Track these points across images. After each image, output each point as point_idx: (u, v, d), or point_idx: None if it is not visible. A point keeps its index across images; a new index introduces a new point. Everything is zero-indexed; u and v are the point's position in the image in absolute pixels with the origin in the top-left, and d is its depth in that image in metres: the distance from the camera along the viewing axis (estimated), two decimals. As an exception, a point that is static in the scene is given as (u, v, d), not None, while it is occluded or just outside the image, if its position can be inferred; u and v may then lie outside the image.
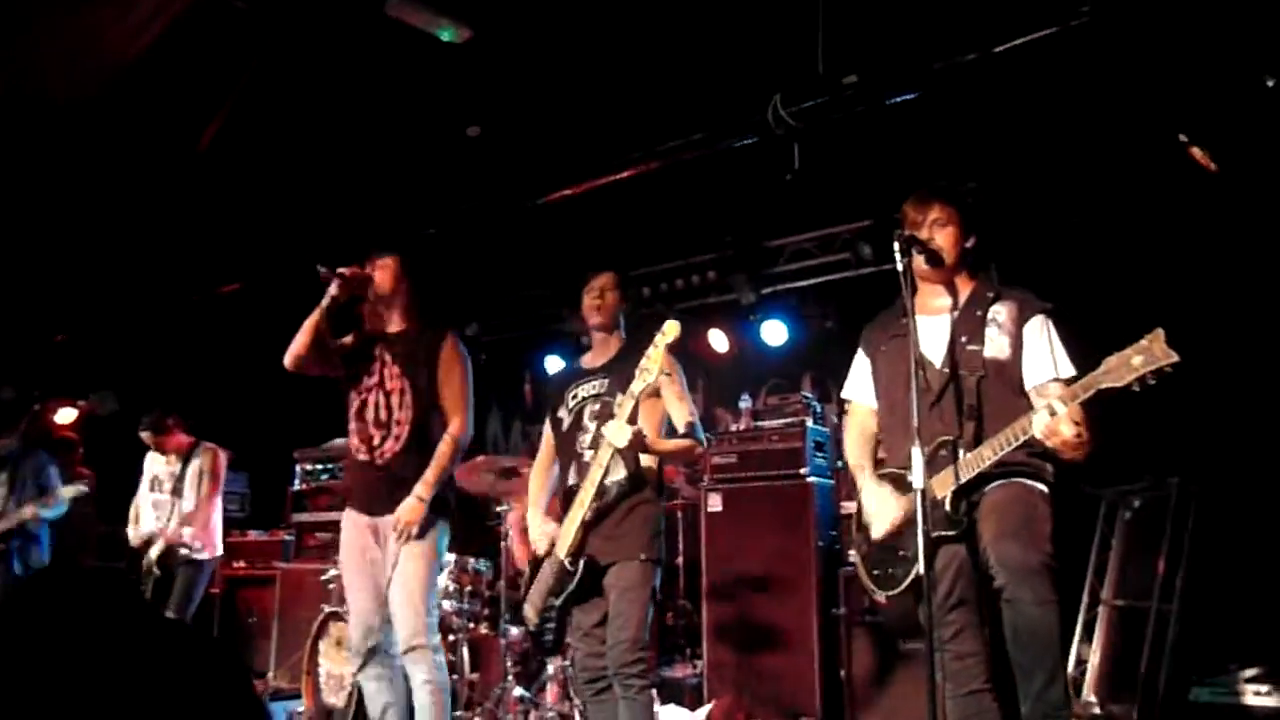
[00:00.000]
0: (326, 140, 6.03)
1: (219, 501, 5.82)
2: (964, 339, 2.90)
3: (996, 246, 4.99)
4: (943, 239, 2.99)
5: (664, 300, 7.08)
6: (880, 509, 2.96)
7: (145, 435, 5.83)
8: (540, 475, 3.79)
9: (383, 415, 3.76)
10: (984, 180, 5.26)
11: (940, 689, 2.82)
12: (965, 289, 3.03)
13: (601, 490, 3.36)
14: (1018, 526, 2.74)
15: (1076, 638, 4.69)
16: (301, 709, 5.13)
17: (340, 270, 3.76)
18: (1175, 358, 2.46)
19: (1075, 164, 5.11)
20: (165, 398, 6.30)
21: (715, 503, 5.49)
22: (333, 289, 3.74)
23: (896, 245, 2.88)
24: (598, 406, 3.52)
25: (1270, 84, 4.11)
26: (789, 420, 5.46)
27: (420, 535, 3.60)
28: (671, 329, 3.20)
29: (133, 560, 5.78)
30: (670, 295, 7.03)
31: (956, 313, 2.97)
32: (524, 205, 6.19)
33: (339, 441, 6.83)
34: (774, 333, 6.52)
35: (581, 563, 3.37)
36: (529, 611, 3.59)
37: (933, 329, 2.97)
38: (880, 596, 3.03)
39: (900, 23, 4.61)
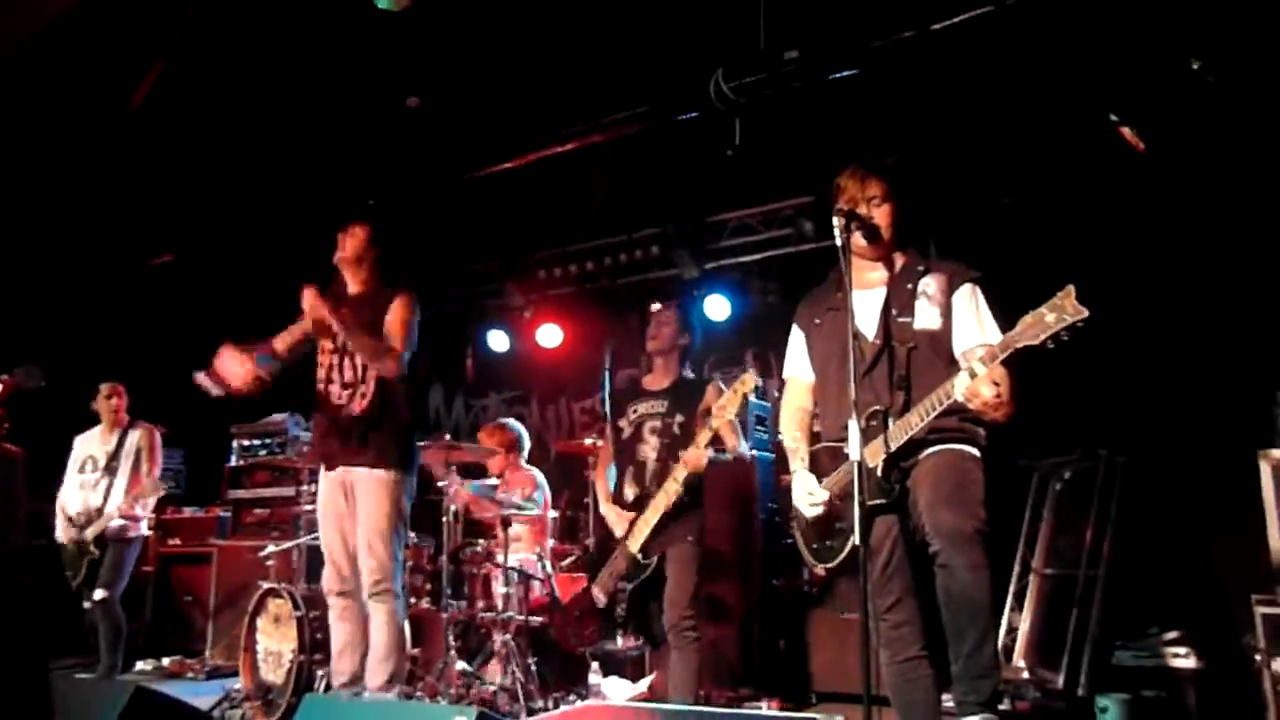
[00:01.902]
0: (264, 109, 5.90)
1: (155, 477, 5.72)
2: (894, 311, 2.97)
3: (931, 220, 5.11)
4: (880, 216, 3.03)
5: (608, 275, 7.07)
6: (805, 495, 3.05)
7: (105, 388, 5.79)
8: (603, 475, 4.45)
9: (348, 376, 4.04)
10: (921, 155, 5.33)
11: (875, 657, 2.88)
12: (898, 263, 3.08)
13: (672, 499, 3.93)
14: (950, 493, 2.80)
15: (1008, 606, 4.82)
16: (239, 686, 5.06)
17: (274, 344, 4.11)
18: (1085, 313, 2.49)
19: (1010, 140, 5.20)
20: (97, 372, 6.15)
21: (658, 476, 5.51)
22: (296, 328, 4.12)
23: (836, 221, 2.92)
24: (657, 424, 4.15)
25: (1196, 66, 4.23)
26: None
27: (384, 490, 3.90)
28: (749, 381, 3.68)
29: (54, 542, 5.69)
30: (614, 270, 7.03)
31: (887, 287, 3.03)
32: (465, 177, 6.13)
33: (277, 417, 6.73)
34: (717, 308, 6.55)
35: (655, 559, 4.02)
36: (598, 592, 4.23)
37: (866, 302, 3.03)
38: (819, 569, 3.12)
39: (840, 0, 4.65)
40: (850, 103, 5.05)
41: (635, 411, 4.28)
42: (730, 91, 4.79)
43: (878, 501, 2.88)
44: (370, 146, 6.26)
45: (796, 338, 3.28)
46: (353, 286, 4.18)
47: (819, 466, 3.10)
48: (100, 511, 5.55)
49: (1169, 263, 4.90)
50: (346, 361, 4.03)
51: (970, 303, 2.95)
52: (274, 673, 4.97)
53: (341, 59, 5.47)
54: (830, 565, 3.06)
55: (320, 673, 4.75)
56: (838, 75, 4.74)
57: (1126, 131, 4.69)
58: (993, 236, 5.13)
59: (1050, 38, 4.40)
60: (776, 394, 5.80)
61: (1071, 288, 2.53)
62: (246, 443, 6.81)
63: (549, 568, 5.26)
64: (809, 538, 3.14)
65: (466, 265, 7.65)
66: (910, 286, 2.99)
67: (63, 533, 5.71)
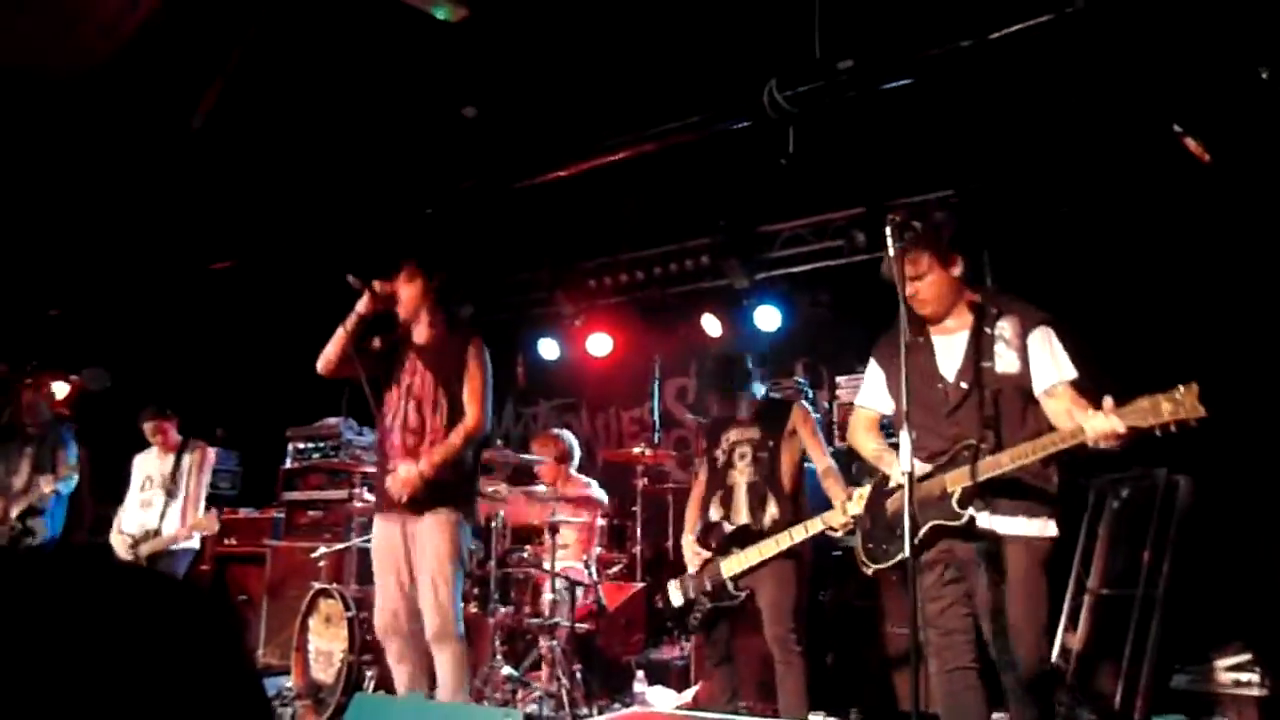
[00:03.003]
0: (322, 119, 6.01)
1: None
2: (976, 357, 3.15)
3: (989, 237, 5.03)
4: (932, 289, 3.18)
5: (658, 284, 7.08)
6: (898, 475, 3.18)
7: (149, 425, 5.82)
8: (696, 507, 4.58)
9: (413, 422, 3.95)
10: (977, 166, 5.26)
11: (924, 672, 3.01)
12: (969, 307, 3.25)
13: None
14: (1028, 612, 2.99)
15: (1061, 626, 4.72)
16: (291, 684, 5.15)
17: (371, 284, 3.94)
18: (1202, 413, 2.60)
19: (1069, 152, 5.12)
20: (159, 376, 6.29)
21: (706, 486, 5.49)
22: (361, 305, 3.98)
23: (888, 230, 2.95)
24: (747, 451, 4.36)
25: (1265, 75, 4.12)
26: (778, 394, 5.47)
27: (445, 532, 3.80)
28: (860, 502, 3.64)
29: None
30: (664, 279, 7.04)
31: (968, 334, 3.20)
32: (518, 186, 6.18)
33: (330, 421, 6.85)
34: (767, 318, 6.53)
35: (744, 594, 4.20)
36: (675, 591, 4.43)
37: (946, 348, 3.23)
38: (869, 570, 3.32)
39: (897, 8, 4.61)
40: (904, 113, 5.01)
41: (728, 440, 4.47)
42: (784, 101, 4.77)
43: (946, 523, 3.04)
44: (426, 156, 6.34)
45: (875, 372, 3.47)
46: (419, 336, 4.09)
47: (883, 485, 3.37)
48: (158, 532, 5.62)
49: (1232, 276, 4.77)
50: (411, 408, 3.94)
51: (1045, 345, 3.10)
52: (324, 672, 5.05)
53: (398, 71, 5.56)
54: (880, 567, 3.27)
55: (369, 673, 4.81)
56: (893, 85, 4.69)
57: (1191, 142, 4.58)
58: (1048, 250, 5.05)
59: (1112, 46, 4.32)
60: (827, 405, 5.77)
61: (1195, 386, 2.61)
62: (301, 445, 6.93)
63: (596, 575, 5.27)
64: (867, 535, 3.35)
65: (518, 274, 7.71)
66: (989, 332, 3.16)
67: (119, 548, 5.74)
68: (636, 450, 6.14)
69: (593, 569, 5.27)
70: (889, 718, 4.62)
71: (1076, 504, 4.98)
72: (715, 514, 4.40)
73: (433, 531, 3.81)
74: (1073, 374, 3.02)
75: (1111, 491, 4.91)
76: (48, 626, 0.72)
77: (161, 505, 5.66)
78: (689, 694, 4.98)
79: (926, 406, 3.12)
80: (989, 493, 3.01)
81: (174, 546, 5.63)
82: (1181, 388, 2.61)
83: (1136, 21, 4.15)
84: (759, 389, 4.58)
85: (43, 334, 7.68)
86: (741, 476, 4.36)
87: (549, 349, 7.65)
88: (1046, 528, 3.05)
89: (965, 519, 3.00)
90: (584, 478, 5.90)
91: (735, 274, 6.51)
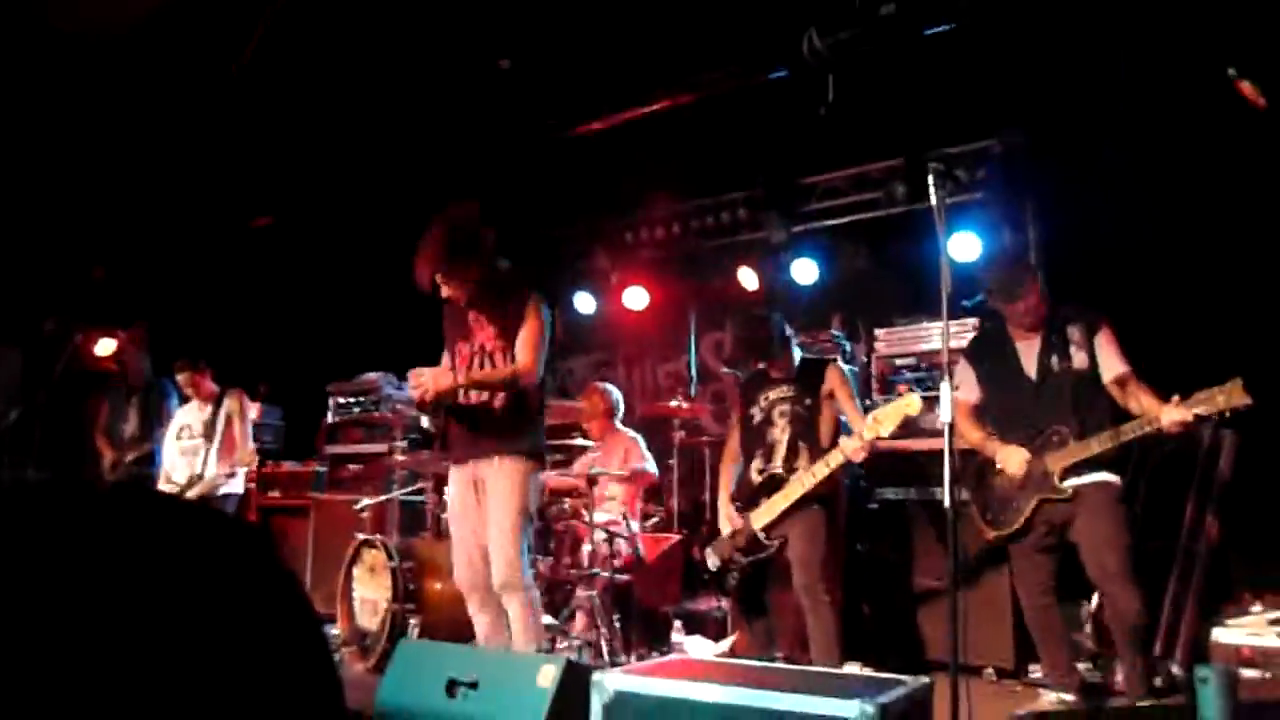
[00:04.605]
0: (358, 73, 6.00)
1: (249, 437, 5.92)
2: (1055, 357, 3.92)
3: (1030, 178, 4.93)
4: (1035, 314, 3.93)
5: (695, 237, 7.05)
6: (1015, 457, 3.86)
7: (181, 377, 5.93)
8: (729, 466, 4.66)
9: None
10: (1022, 112, 5.15)
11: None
12: (1042, 315, 3.96)
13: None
14: (1112, 535, 3.71)
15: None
16: (337, 632, 5.28)
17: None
18: (1249, 401, 3.39)
19: (1116, 98, 4.99)
20: (204, 332, 6.38)
21: (743, 439, 5.50)
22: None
23: (931, 179, 2.95)
24: (786, 408, 4.44)
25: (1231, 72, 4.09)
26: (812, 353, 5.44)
27: (513, 479, 3.84)
28: (914, 405, 3.95)
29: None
30: (701, 232, 7.00)
31: (1042, 337, 3.95)
32: (553, 138, 6.14)
33: (371, 375, 6.93)
34: (805, 271, 6.48)
35: (777, 543, 4.26)
36: (712, 556, 4.48)
37: (1027, 349, 3.99)
38: (990, 534, 3.99)
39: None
40: (946, 60, 4.90)
41: (766, 399, 4.52)
42: (824, 48, 4.69)
43: (1051, 497, 3.78)
44: (462, 109, 6.32)
45: (967, 368, 4.15)
46: (473, 301, 4.02)
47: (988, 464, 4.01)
48: (201, 477, 5.75)
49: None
50: (478, 366, 3.95)
51: (1108, 342, 3.87)
52: (369, 620, 5.17)
53: (434, 23, 5.53)
54: (999, 534, 3.94)
55: (413, 620, 4.92)
56: (935, 30, 4.59)
57: (1246, 86, 4.45)
58: (1095, 195, 4.95)
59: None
60: (865, 357, 5.74)
61: (1240, 380, 3.39)
62: (342, 400, 7.03)
63: (635, 526, 5.32)
64: (984, 508, 4.01)
65: (553, 228, 7.70)
66: (1061, 337, 3.91)
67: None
68: (673, 404, 6.16)
69: (633, 521, 5.32)
70: (927, 668, 4.64)
71: (1121, 458, 4.93)
72: (756, 474, 4.42)
73: (499, 480, 3.84)
74: (1129, 366, 3.79)
75: (1155, 446, 4.85)
76: (129, 561, 0.75)
77: (204, 453, 5.78)
78: (726, 644, 5.04)
79: (1012, 398, 3.95)
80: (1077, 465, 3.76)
81: (220, 491, 5.74)
82: (1230, 383, 3.40)
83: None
84: (796, 349, 4.59)
85: (89, 291, 7.81)
86: (782, 435, 4.39)
87: (585, 303, 7.66)
88: (1114, 478, 3.80)
89: (1070, 493, 3.74)
90: (630, 431, 5.89)
91: (772, 227, 6.46)
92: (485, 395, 3.90)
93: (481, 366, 3.95)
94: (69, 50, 5.53)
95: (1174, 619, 4.31)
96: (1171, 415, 3.51)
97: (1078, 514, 3.78)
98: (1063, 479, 3.77)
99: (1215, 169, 4.83)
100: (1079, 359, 3.88)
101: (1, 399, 7.20)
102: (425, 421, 4.16)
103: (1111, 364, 3.84)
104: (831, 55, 4.69)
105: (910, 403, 3.92)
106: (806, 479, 4.17)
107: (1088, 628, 4.52)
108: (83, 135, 6.57)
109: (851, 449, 4.05)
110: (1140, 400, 3.70)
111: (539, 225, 7.67)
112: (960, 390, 4.01)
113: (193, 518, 0.86)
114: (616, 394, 5.98)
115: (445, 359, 4.08)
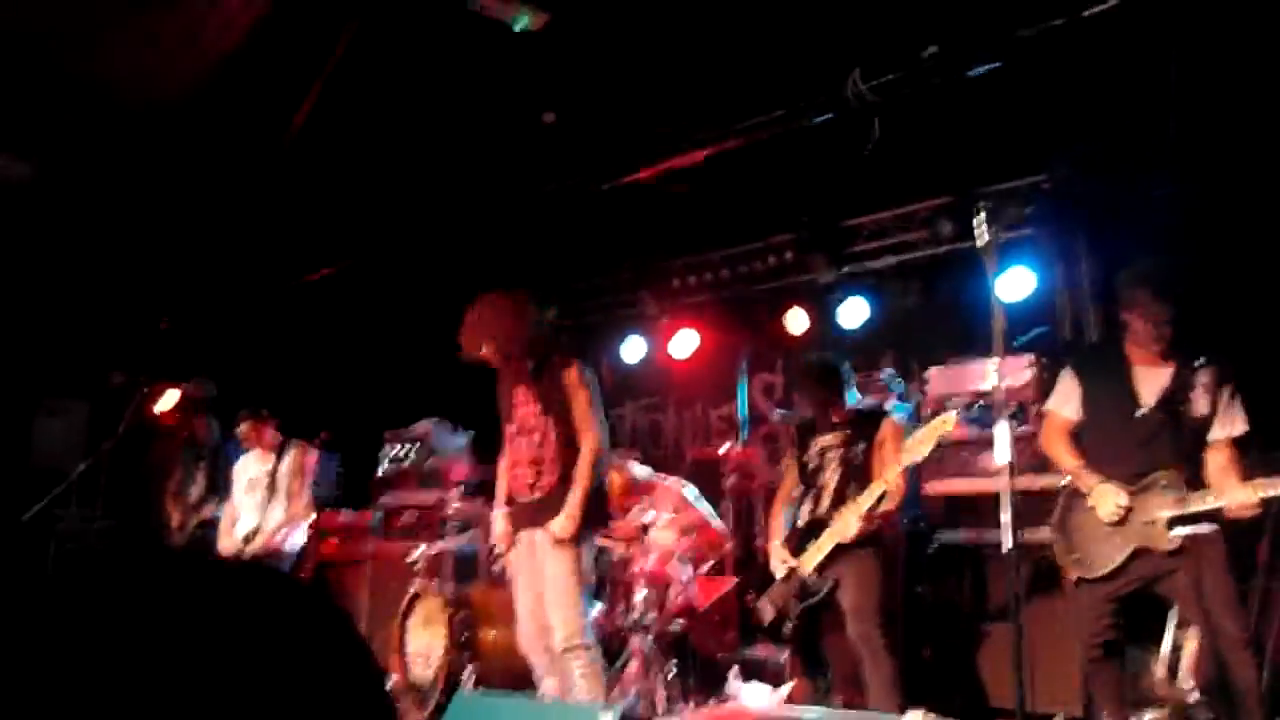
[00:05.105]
0: (409, 129, 6.15)
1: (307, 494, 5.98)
2: (1178, 395, 3.55)
3: (1083, 214, 4.85)
4: (1167, 330, 3.53)
5: (743, 281, 7.06)
6: (1109, 500, 3.50)
7: (244, 427, 6.00)
8: (782, 510, 4.63)
9: (530, 454, 4.14)
10: (1069, 149, 5.10)
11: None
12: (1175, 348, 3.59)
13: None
14: (1229, 598, 3.44)
15: (1173, 623, 4.54)
16: (391, 684, 5.28)
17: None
18: None
19: (1166, 133, 4.92)
20: (265, 383, 6.49)
21: (796, 483, 5.45)
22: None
23: (980, 218, 2.94)
24: (838, 454, 4.39)
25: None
26: (871, 401, 5.39)
27: (569, 549, 3.95)
28: (949, 422, 3.91)
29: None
30: (749, 277, 7.01)
31: (1173, 370, 3.57)
32: (601, 188, 6.21)
33: (422, 424, 6.99)
34: (853, 312, 6.45)
35: (829, 584, 4.21)
36: (766, 608, 4.44)
37: (1149, 378, 3.60)
38: (1073, 575, 3.67)
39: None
40: (990, 99, 4.89)
41: (819, 445, 4.52)
42: (868, 91, 4.71)
43: (1151, 546, 3.44)
44: (509, 162, 6.43)
45: (1072, 381, 3.78)
46: (517, 377, 4.23)
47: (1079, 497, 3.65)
48: (261, 529, 5.77)
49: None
50: (524, 440, 4.12)
51: (1233, 401, 3.54)
52: (424, 671, 5.16)
53: (480, 80, 5.66)
54: (1085, 578, 3.60)
55: (468, 670, 4.90)
56: (979, 70, 4.59)
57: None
58: (1148, 227, 4.87)
59: (1212, 21, 4.14)
60: (921, 395, 5.67)
61: None
62: (394, 448, 7.09)
63: (688, 573, 5.27)
64: (1070, 546, 3.66)
65: (601, 276, 7.76)
66: (1190, 376, 3.55)
67: (228, 552, 5.85)
68: (724, 448, 6.12)
69: (688, 567, 5.27)
70: (989, 715, 4.51)
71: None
72: (806, 518, 4.41)
73: (555, 551, 3.94)
74: (1243, 429, 3.51)
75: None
76: (203, 626, 0.77)
77: (266, 504, 5.81)
78: (784, 690, 4.95)
79: (1116, 427, 3.58)
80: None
81: (282, 544, 5.76)
82: None
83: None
84: (854, 395, 4.59)
85: (155, 345, 8.03)
86: (831, 478, 4.40)
87: (633, 349, 7.67)
88: (1216, 529, 3.47)
89: (1178, 544, 3.40)
90: (670, 480, 5.79)
91: (820, 269, 6.45)
92: (539, 478, 4.07)
93: (524, 448, 4.10)
94: (139, 122, 5.75)
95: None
96: (1238, 496, 3.30)
97: (1180, 568, 3.46)
98: (1169, 528, 3.45)
99: (1271, 198, 4.74)
100: (1201, 405, 3.53)
101: (68, 451, 7.40)
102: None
103: (1234, 423, 3.53)
104: (875, 97, 4.71)
105: (945, 420, 3.91)
106: (852, 511, 4.15)
107: (1159, 671, 4.37)
108: (149, 196, 6.80)
109: (891, 475, 4.04)
110: (1227, 470, 3.45)
111: (587, 273, 7.74)
112: (1059, 404, 3.80)
113: (253, 582, 0.88)
114: (630, 469, 5.81)
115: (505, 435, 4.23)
